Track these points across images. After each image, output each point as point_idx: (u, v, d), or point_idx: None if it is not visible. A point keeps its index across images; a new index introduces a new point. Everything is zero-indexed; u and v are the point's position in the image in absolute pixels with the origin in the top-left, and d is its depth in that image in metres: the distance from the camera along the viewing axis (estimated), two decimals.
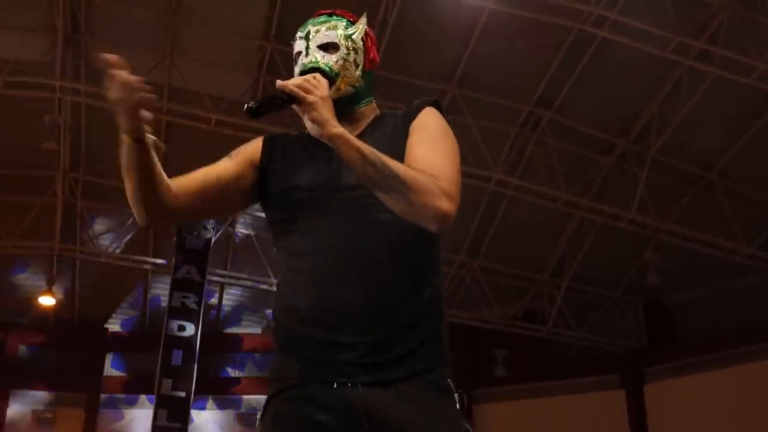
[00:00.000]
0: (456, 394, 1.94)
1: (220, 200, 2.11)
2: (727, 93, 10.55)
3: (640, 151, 11.68)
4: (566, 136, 11.73)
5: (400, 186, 1.85)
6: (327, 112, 1.94)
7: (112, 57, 1.94)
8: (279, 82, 2.00)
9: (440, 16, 10.35)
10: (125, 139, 1.94)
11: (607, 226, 12.27)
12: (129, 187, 2.01)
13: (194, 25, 10.89)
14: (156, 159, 1.99)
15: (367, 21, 2.33)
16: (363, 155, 1.88)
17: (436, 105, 2.16)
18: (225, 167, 2.14)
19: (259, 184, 2.15)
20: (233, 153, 2.20)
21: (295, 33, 2.29)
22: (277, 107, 2.02)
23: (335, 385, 1.88)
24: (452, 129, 2.12)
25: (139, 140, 1.94)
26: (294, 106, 1.99)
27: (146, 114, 1.94)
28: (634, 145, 11.75)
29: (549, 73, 11.10)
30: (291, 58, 2.29)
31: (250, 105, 1.97)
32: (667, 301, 14.28)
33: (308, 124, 1.96)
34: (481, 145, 11.04)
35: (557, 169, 11.53)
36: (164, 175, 2.03)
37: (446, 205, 1.86)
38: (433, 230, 1.90)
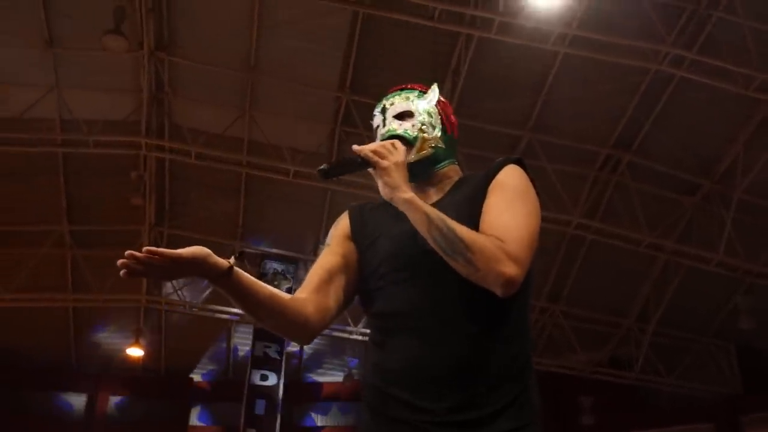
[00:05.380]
0: None
1: (347, 286, 2.16)
2: None
3: (725, 192, 11.36)
4: (647, 177, 11.52)
5: (464, 251, 1.87)
6: (399, 178, 2.01)
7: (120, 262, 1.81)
8: (355, 147, 2.07)
9: (513, 63, 10.37)
10: (219, 284, 1.93)
11: (693, 269, 11.92)
12: (267, 325, 2.05)
13: (272, 80, 11.17)
14: (257, 284, 1.98)
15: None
16: (429, 220, 1.92)
17: (519, 163, 2.15)
18: (330, 255, 2.19)
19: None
20: (328, 240, 2.26)
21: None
22: (349, 170, 2.09)
23: None
24: (535, 185, 2.12)
25: (229, 271, 1.91)
26: (370, 170, 2.06)
27: (196, 253, 1.88)
28: (719, 186, 11.44)
29: (627, 114, 10.96)
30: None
31: (322, 168, 2.05)
32: (762, 346, 13.69)
33: (380, 187, 2.03)
34: (560, 189, 10.93)
35: (639, 212, 11.31)
36: (279, 294, 2.03)
37: (511, 270, 1.86)
38: (499, 294, 1.88)
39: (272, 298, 1.99)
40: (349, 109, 11.05)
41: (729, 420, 13.45)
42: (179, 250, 1.86)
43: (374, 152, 2.03)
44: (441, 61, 10.16)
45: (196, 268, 1.88)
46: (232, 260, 1.91)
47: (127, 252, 1.81)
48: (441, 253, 1.90)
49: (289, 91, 11.17)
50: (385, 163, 2.01)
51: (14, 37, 10.47)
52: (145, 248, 1.83)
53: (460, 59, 10.20)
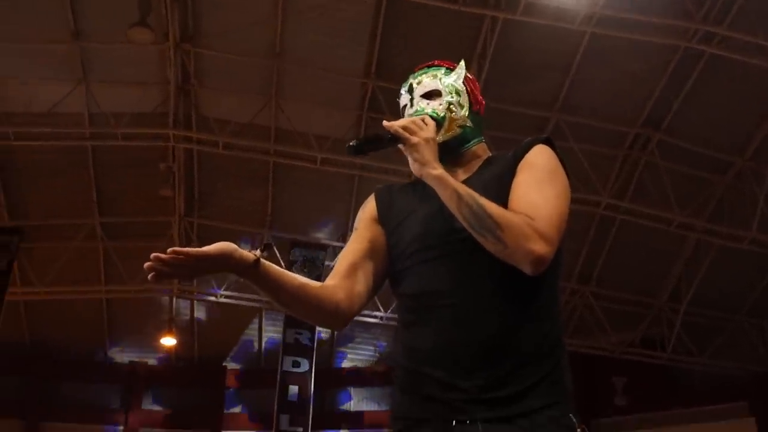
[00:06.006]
0: (578, 430, 1.90)
1: (377, 270, 2.16)
2: None
3: (757, 169, 11.21)
4: (677, 156, 11.39)
5: (493, 228, 1.86)
6: (429, 154, 1.99)
7: (146, 266, 1.84)
8: (386, 123, 2.05)
9: (540, 43, 10.28)
10: (246, 277, 1.94)
11: (725, 248, 11.79)
12: (295, 313, 2.07)
13: (297, 67, 11.18)
14: (285, 275, 2.00)
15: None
16: (459, 196, 1.91)
17: (548, 142, 2.13)
18: (358, 241, 2.19)
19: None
20: (356, 224, 2.25)
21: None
22: (379, 146, 2.07)
23: (454, 423, 1.87)
24: (565, 166, 2.09)
25: (256, 264, 1.92)
26: (400, 146, 2.04)
27: (224, 249, 1.89)
28: (751, 163, 11.29)
29: (656, 93, 10.84)
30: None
31: (351, 144, 2.04)
32: None
33: (411, 163, 2.01)
34: (588, 170, 10.85)
35: (669, 191, 11.20)
36: (308, 282, 2.04)
37: (540, 248, 1.85)
38: (528, 273, 1.87)
39: (301, 287, 2.00)
40: (375, 94, 11.04)
41: (763, 398, 13.33)
42: (205, 248, 1.86)
43: (404, 128, 2.01)
44: (467, 44, 10.10)
45: (222, 264, 1.89)
46: (258, 253, 1.91)
47: (153, 255, 1.81)
48: (470, 230, 1.90)
49: (315, 78, 11.17)
50: (415, 139, 1.99)
51: (41, 32, 10.57)
52: (170, 249, 1.84)
53: (486, 42, 10.14)
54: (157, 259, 1.82)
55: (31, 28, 10.45)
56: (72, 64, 11.09)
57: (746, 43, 9.30)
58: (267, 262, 1.95)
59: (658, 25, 9.42)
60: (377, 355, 16.22)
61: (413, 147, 1.99)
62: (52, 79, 11.09)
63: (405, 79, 2.30)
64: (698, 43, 9.55)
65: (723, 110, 10.89)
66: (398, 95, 2.30)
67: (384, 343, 15.95)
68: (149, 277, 1.82)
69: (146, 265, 1.81)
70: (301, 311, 2.05)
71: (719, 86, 10.54)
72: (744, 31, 9.22)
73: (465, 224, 1.90)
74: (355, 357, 16.69)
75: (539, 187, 1.98)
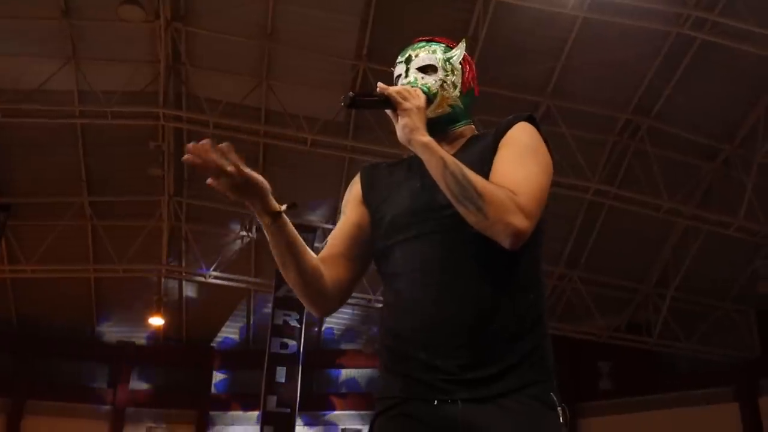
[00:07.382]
0: (559, 408, 1.91)
1: (364, 254, 2.17)
2: None
3: (745, 156, 11.26)
4: (666, 143, 11.42)
5: (475, 198, 1.86)
6: (419, 121, 2.00)
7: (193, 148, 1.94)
8: (380, 84, 2.06)
9: (532, 28, 10.27)
10: (265, 221, 1.96)
11: (713, 234, 11.86)
12: (292, 279, 2.05)
13: (288, 48, 11.13)
14: (299, 238, 2.03)
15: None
16: (445, 164, 1.92)
17: (530, 120, 2.13)
18: (346, 222, 2.20)
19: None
20: (343, 207, 2.26)
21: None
22: (372, 105, 2.09)
23: (435, 403, 1.89)
24: (548, 143, 2.10)
25: (277, 215, 1.96)
26: (388, 112, 2.05)
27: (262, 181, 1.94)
28: (740, 150, 11.34)
29: (646, 79, 10.84)
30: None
31: (349, 94, 2.05)
32: None
33: (398, 129, 2.01)
34: (578, 155, 10.87)
35: (658, 177, 11.23)
36: (312, 254, 2.07)
37: (520, 222, 1.85)
38: (506, 246, 1.87)
39: (308, 254, 2.04)
40: (366, 77, 11.01)
41: (748, 383, 13.46)
42: (252, 172, 1.92)
43: (398, 93, 2.03)
44: (458, 27, 10.07)
45: (256, 192, 1.93)
46: (284, 207, 1.96)
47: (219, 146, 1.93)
48: (452, 200, 1.90)
49: (306, 60, 11.13)
50: (407, 104, 2.01)
51: (31, 8, 10.48)
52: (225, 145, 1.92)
53: (478, 25, 10.11)
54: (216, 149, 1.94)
55: (20, 4, 10.36)
56: (62, 41, 11.01)
57: (737, 30, 9.31)
58: (287, 219, 1.98)
59: (650, 11, 9.42)
60: (366, 338, 16.25)
61: (405, 112, 2.00)
62: (41, 55, 11.01)
63: (402, 50, 2.28)
64: (690, 29, 9.55)
65: (713, 97, 10.92)
66: (393, 65, 2.29)
67: (374, 327, 15.94)
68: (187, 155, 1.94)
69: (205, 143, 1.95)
70: (299, 277, 2.04)
71: (709, 73, 10.56)
72: (735, 18, 9.23)
73: (448, 193, 1.90)
74: (344, 339, 16.73)
75: (521, 162, 1.98)
